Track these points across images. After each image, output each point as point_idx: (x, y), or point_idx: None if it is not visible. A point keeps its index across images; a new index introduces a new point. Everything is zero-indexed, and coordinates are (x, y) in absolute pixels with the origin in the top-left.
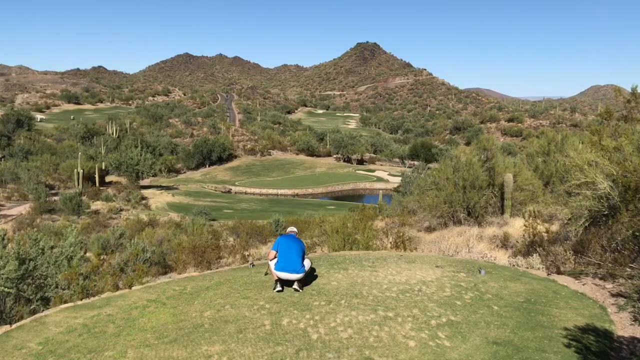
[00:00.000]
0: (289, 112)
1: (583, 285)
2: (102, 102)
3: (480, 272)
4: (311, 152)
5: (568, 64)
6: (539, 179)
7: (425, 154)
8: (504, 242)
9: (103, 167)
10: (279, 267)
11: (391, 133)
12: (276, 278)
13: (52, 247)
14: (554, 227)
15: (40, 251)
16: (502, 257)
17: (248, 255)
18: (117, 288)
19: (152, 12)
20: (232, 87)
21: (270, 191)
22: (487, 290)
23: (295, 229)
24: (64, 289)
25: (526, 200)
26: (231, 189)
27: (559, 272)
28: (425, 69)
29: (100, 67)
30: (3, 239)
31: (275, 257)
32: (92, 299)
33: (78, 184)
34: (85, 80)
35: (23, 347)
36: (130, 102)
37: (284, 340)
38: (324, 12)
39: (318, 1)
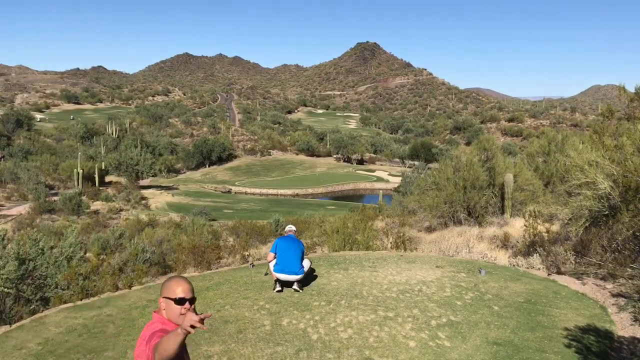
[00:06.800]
0: (289, 112)
1: (583, 285)
2: (101, 102)
3: (480, 272)
4: (311, 152)
5: (568, 64)
6: (539, 179)
7: (425, 154)
8: (505, 243)
9: (103, 167)
10: (277, 269)
11: (391, 133)
12: (276, 278)
13: (51, 247)
14: (555, 227)
15: (40, 251)
16: (502, 258)
17: (248, 256)
18: (116, 288)
19: (152, 12)
20: (232, 87)
21: (270, 191)
22: (487, 291)
23: (293, 228)
24: (63, 289)
25: (526, 200)
26: (231, 189)
27: (559, 273)
28: (425, 69)
29: (100, 67)
30: (3, 239)
31: (274, 259)
32: (91, 299)
33: (78, 184)
34: (85, 80)
35: (23, 347)
36: (130, 102)
37: (284, 341)
38: (324, 12)
39: (318, 1)
